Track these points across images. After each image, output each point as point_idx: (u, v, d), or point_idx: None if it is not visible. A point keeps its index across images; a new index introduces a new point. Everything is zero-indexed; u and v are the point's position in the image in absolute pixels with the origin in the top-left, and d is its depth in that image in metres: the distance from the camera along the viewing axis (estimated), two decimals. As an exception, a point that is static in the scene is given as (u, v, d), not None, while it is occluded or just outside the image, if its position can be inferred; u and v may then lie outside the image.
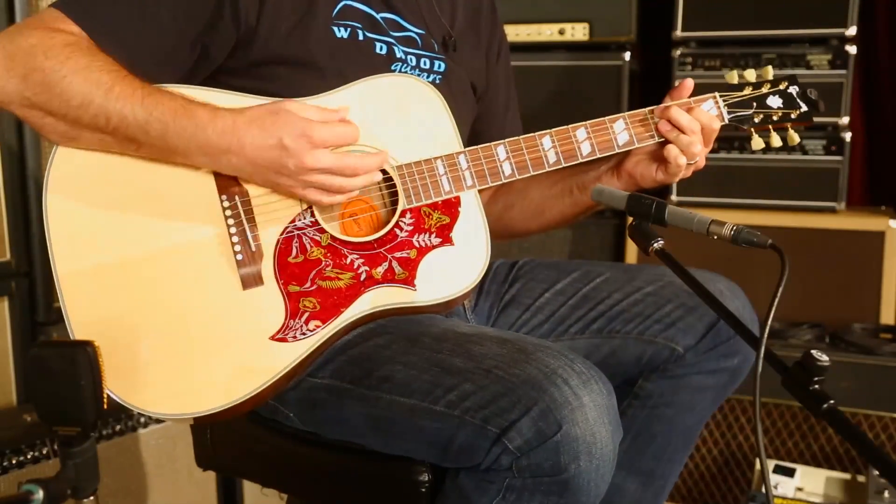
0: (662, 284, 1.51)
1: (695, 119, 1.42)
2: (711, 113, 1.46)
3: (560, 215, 1.61)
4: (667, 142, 1.44)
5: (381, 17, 1.44)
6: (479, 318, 1.59)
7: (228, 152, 1.24)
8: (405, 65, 1.46)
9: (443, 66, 1.52)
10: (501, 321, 1.58)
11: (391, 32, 1.45)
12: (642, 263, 1.63)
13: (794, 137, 1.51)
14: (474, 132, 1.64)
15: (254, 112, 1.25)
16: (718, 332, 1.47)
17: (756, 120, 1.50)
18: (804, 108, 1.51)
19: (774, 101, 1.50)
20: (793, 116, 1.51)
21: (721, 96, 1.49)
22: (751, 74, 1.50)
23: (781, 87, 1.51)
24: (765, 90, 1.51)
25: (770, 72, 1.51)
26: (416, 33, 1.49)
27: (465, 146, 1.42)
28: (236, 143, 1.23)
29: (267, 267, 1.31)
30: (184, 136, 1.23)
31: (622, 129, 1.45)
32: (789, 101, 1.51)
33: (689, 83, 1.47)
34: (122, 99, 1.22)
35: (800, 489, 2.26)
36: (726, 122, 1.48)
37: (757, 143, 1.50)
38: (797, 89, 1.52)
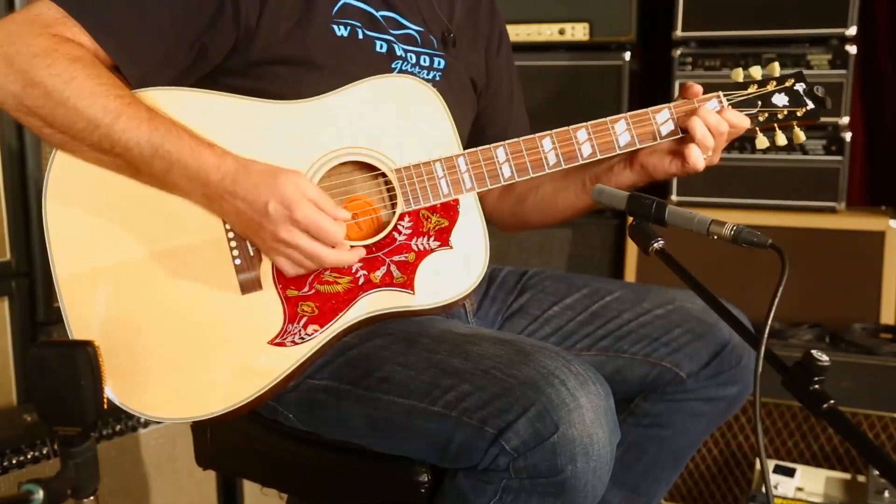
0: (672, 308, 1.51)
1: (724, 120, 1.42)
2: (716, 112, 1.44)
3: (572, 207, 1.61)
4: (682, 139, 1.43)
5: (381, 15, 1.44)
6: (482, 323, 1.58)
7: (222, 199, 1.24)
8: (405, 62, 1.46)
9: (442, 62, 1.52)
10: (507, 329, 1.58)
11: (391, 30, 1.45)
12: (651, 283, 1.62)
13: (800, 135, 1.49)
14: (479, 127, 1.63)
15: (258, 167, 1.24)
16: (722, 361, 1.47)
17: (761, 119, 1.48)
18: (810, 105, 1.49)
19: (780, 100, 1.48)
20: (798, 115, 1.48)
21: (725, 95, 1.47)
22: (756, 72, 1.47)
23: (787, 84, 1.49)
24: (770, 88, 1.48)
25: (776, 69, 1.49)
26: (415, 30, 1.48)
27: (468, 142, 1.40)
28: (230, 193, 1.23)
29: (265, 271, 1.30)
30: (186, 176, 1.23)
31: (623, 130, 1.44)
32: (795, 99, 1.49)
33: (698, 88, 1.46)
34: (129, 130, 1.20)
35: (800, 489, 2.25)
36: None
37: (762, 141, 1.49)
38: (804, 86, 1.49)
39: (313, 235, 1.24)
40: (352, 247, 1.31)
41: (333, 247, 1.26)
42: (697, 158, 1.42)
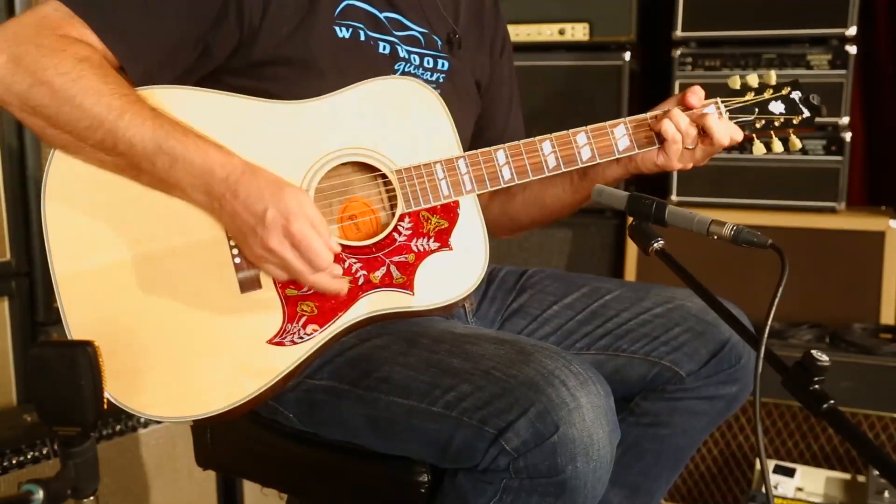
0: (672, 307, 1.51)
1: (693, 124, 1.42)
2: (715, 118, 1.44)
3: (560, 202, 1.61)
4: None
5: (384, 17, 1.44)
6: (482, 323, 1.58)
7: (223, 197, 1.23)
8: (409, 64, 1.46)
9: (446, 64, 1.51)
10: (507, 329, 1.58)
11: (394, 32, 1.45)
12: (651, 283, 1.63)
13: (796, 143, 1.50)
14: (478, 129, 1.63)
15: (266, 175, 1.24)
16: (721, 360, 1.47)
17: (758, 125, 1.48)
18: (806, 113, 1.49)
19: (776, 107, 1.49)
20: (795, 122, 1.49)
21: (723, 101, 1.47)
22: (753, 79, 1.48)
23: (784, 92, 1.49)
24: (767, 95, 1.49)
25: (773, 77, 1.49)
26: (419, 32, 1.48)
27: (470, 143, 1.40)
28: (231, 192, 1.22)
29: None
30: (190, 173, 1.22)
31: (623, 135, 1.44)
32: (792, 107, 1.49)
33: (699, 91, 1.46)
34: (133, 127, 1.20)
35: (800, 489, 2.26)
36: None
37: (758, 148, 1.49)
38: (800, 94, 1.50)
39: (301, 253, 1.23)
40: (350, 247, 1.31)
41: (318, 271, 1.25)
42: (671, 158, 1.44)
